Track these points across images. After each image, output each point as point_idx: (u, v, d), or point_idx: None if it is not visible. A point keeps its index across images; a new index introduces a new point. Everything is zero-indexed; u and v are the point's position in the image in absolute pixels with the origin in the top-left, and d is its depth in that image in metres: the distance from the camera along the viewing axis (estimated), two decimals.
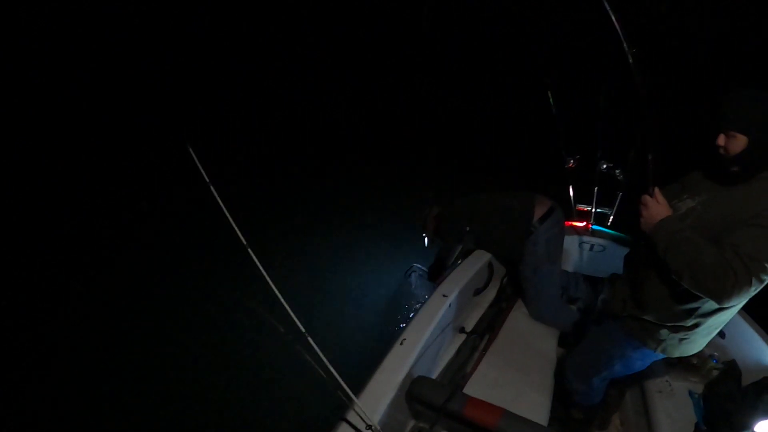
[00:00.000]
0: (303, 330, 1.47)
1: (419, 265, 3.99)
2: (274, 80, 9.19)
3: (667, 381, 2.51)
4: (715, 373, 2.49)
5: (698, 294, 1.62)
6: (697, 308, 1.76)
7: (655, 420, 2.32)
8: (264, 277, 1.51)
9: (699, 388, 2.48)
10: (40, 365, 3.50)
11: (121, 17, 8.59)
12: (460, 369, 2.57)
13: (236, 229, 1.57)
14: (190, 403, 3.18)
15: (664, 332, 1.89)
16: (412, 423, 2.10)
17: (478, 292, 2.94)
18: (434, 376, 2.41)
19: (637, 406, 2.57)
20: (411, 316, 2.32)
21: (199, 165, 1.70)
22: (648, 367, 2.19)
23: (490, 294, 3.10)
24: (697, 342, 1.94)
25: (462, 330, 2.77)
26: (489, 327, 2.91)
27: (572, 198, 3.37)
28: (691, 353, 2.00)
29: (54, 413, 3.14)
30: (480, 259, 2.92)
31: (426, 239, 3.25)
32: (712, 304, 1.71)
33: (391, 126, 7.74)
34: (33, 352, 3.59)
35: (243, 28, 9.83)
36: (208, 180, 1.70)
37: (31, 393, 3.28)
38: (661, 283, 1.79)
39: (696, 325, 1.83)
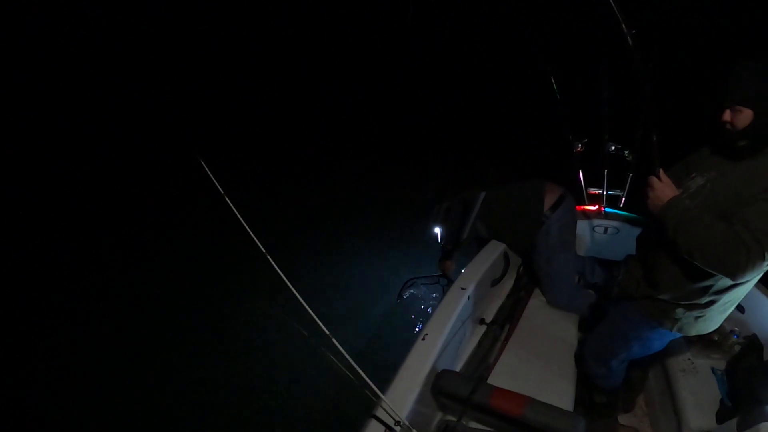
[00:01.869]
0: (327, 333, 1.52)
1: (419, 277, 4.03)
2: (279, 83, 9.24)
3: (689, 359, 2.55)
4: (737, 348, 2.51)
5: (711, 271, 1.65)
6: (711, 285, 1.79)
7: (679, 399, 2.35)
8: (285, 283, 1.57)
9: (721, 365, 2.51)
10: (69, 364, 3.60)
11: (132, 27, 8.66)
12: (482, 360, 2.61)
13: (254, 238, 1.63)
14: (219, 409, 3.26)
15: (679, 311, 1.93)
16: (439, 416, 2.15)
17: (495, 282, 2.99)
18: (458, 368, 2.45)
19: (661, 386, 2.60)
20: (430, 311, 2.36)
21: (211, 176, 1.76)
22: (669, 346, 2.22)
23: (508, 284, 3.16)
24: (713, 319, 1.97)
25: (482, 321, 2.83)
26: (508, 317, 2.96)
27: (582, 182, 3.39)
28: (709, 330, 2.03)
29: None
30: (495, 249, 2.96)
31: (438, 235, 3.28)
32: (725, 281, 1.74)
33: (396, 125, 7.82)
34: (63, 351, 3.70)
35: (247, 31, 9.85)
36: (222, 191, 1.76)
37: (65, 391, 3.38)
38: (673, 262, 1.82)
39: (711, 303, 1.86)
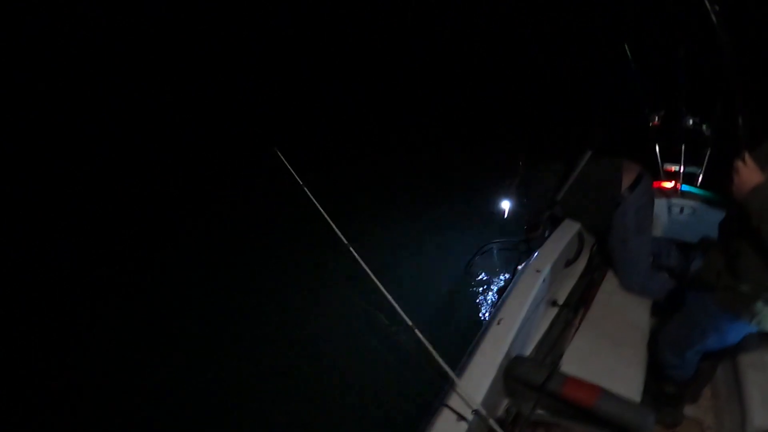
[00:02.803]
0: (410, 323, 1.57)
1: (497, 241, 4.02)
2: (352, 73, 9.23)
3: (760, 355, 2.47)
4: None
5: None
6: None
7: (747, 395, 2.30)
8: (369, 274, 1.62)
9: None
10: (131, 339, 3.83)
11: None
12: (554, 344, 2.61)
13: (335, 228, 1.69)
14: (296, 392, 3.43)
15: (759, 305, 1.88)
16: (506, 402, 2.18)
17: (569, 263, 2.98)
18: (529, 352, 2.48)
19: (730, 380, 2.55)
20: (504, 293, 2.38)
21: (291, 169, 1.82)
22: (741, 340, 2.18)
23: (581, 264, 3.13)
24: None
25: (554, 303, 2.83)
26: (581, 299, 2.94)
27: (659, 157, 3.29)
28: None
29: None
30: (570, 229, 2.94)
31: (506, 210, 3.26)
32: None
33: (471, 107, 7.75)
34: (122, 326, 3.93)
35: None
36: (301, 183, 1.82)
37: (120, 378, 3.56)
38: (756, 253, 1.78)
39: None
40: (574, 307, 2.85)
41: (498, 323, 2.12)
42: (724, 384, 2.61)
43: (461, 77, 8.91)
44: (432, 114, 8.02)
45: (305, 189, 1.78)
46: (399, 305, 1.55)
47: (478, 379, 1.86)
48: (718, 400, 2.64)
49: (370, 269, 1.62)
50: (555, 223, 3.00)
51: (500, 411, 2.14)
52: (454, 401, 1.72)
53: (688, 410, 2.61)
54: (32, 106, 6.77)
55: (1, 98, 6.65)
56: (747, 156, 1.72)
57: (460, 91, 8.51)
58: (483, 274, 4.13)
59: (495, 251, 4.07)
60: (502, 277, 4.01)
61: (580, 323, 2.74)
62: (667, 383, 2.48)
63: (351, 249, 1.68)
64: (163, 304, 4.28)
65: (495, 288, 4.05)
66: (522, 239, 3.28)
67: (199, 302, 4.31)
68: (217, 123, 7.44)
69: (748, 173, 1.69)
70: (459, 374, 1.85)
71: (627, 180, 2.77)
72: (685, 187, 3.25)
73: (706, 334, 2.14)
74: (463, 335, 2.48)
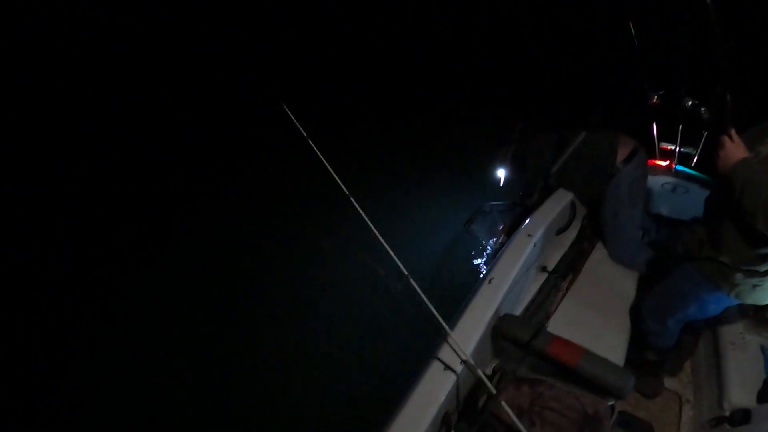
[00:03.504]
0: (406, 273, 1.63)
1: (494, 203, 4.10)
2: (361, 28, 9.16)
3: (740, 333, 2.56)
4: None
5: None
6: None
7: (725, 371, 2.39)
8: (368, 224, 1.68)
9: None
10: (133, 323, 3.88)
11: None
12: (542, 307, 2.70)
13: (337, 179, 1.74)
14: (295, 340, 3.56)
15: (738, 276, 1.95)
16: (494, 362, 2.27)
17: (560, 231, 3.06)
18: (518, 313, 2.56)
19: (710, 355, 2.64)
20: (497, 255, 2.46)
21: (296, 122, 1.85)
22: (723, 316, 2.29)
23: (572, 233, 3.21)
24: None
25: (544, 269, 2.92)
26: (570, 267, 3.02)
27: (655, 136, 3.32)
28: (765, 302, 2.04)
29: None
30: (563, 198, 3.00)
31: (502, 177, 3.33)
32: None
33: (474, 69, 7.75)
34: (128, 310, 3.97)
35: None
36: (306, 134, 1.86)
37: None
38: (737, 225, 1.84)
39: None
40: (563, 274, 2.94)
41: (489, 282, 2.19)
42: (705, 360, 2.69)
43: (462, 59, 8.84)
44: (437, 85, 8.02)
45: (310, 142, 1.82)
46: (397, 256, 1.61)
47: (468, 333, 1.93)
48: (697, 376, 2.72)
49: (371, 221, 1.67)
50: (549, 191, 3.05)
51: (488, 369, 2.21)
52: (444, 352, 1.79)
53: (668, 383, 2.70)
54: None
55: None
56: (734, 133, 1.77)
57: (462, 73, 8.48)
58: (478, 234, 4.21)
59: (492, 213, 4.12)
60: (495, 239, 4.07)
61: (567, 289, 2.83)
62: (649, 351, 2.56)
63: (352, 200, 1.73)
64: (169, 262, 4.41)
65: (489, 248, 4.13)
66: (517, 202, 3.35)
67: (204, 257, 4.46)
68: (225, 78, 7.48)
69: (733, 148, 1.75)
70: (453, 326, 1.92)
71: (622, 153, 2.82)
72: (680, 167, 3.29)
73: (687, 302, 2.21)
74: (457, 291, 2.57)
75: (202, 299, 3.94)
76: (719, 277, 2.02)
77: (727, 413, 2.25)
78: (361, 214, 1.68)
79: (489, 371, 2.19)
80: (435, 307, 1.71)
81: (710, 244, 2.03)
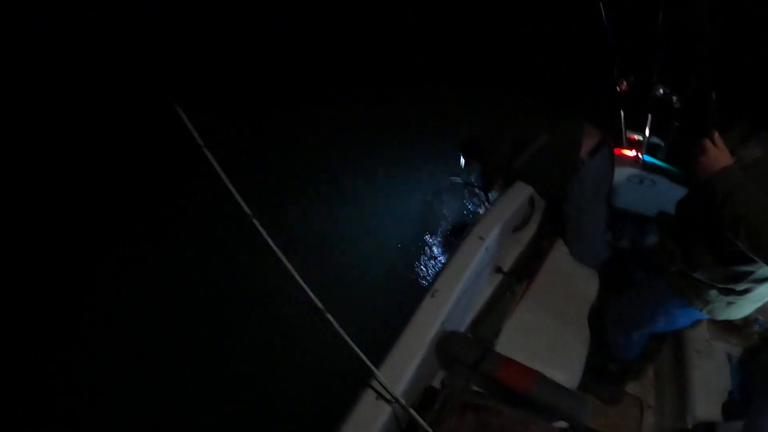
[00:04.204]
0: (321, 306, 1.38)
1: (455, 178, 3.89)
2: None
3: (707, 341, 2.44)
4: (757, 338, 2.42)
5: (753, 255, 1.52)
6: (751, 272, 1.69)
7: (689, 380, 2.28)
8: (272, 248, 1.41)
9: (739, 352, 2.42)
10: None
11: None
12: (495, 315, 2.49)
13: (237, 196, 1.46)
14: (205, 384, 3.22)
15: (713, 293, 1.83)
16: (442, 374, 2.06)
17: (517, 228, 2.85)
18: (468, 321, 2.37)
19: (674, 363, 2.53)
20: (444, 263, 2.24)
21: (191, 127, 1.55)
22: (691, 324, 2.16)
23: (530, 230, 3.00)
24: (744, 307, 1.88)
25: (499, 270, 2.70)
26: (528, 267, 2.83)
27: (623, 124, 3.18)
28: (738, 318, 1.96)
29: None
30: (521, 193, 2.78)
31: (463, 161, 3.18)
32: (767, 270, 1.64)
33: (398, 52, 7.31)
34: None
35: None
36: (202, 143, 1.56)
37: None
38: (715, 240, 1.70)
39: (747, 291, 1.76)
40: (519, 276, 2.74)
41: (432, 296, 1.97)
42: (669, 365, 2.60)
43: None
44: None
45: (205, 150, 1.52)
46: (310, 286, 1.37)
47: (403, 362, 1.72)
48: (660, 381, 2.64)
49: (278, 245, 1.41)
50: (507, 182, 2.87)
51: (436, 382, 2.02)
52: (372, 391, 1.58)
53: (630, 387, 2.60)
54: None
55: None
56: (717, 136, 1.59)
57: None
58: (421, 242, 3.95)
59: (453, 190, 3.92)
60: (440, 243, 3.87)
61: (523, 294, 2.64)
62: (611, 361, 2.47)
63: (255, 221, 1.46)
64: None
65: (437, 257, 3.92)
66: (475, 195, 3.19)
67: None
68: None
69: (717, 153, 1.56)
70: (385, 355, 1.72)
71: (588, 145, 2.64)
72: (647, 158, 3.15)
73: (655, 317, 2.11)
74: (400, 311, 2.30)
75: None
76: (692, 293, 1.89)
77: (690, 426, 2.15)
78: (267, 240, 1.41)
79: (437, 383, 1.99)
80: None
81: (682, 258, 1.88)
